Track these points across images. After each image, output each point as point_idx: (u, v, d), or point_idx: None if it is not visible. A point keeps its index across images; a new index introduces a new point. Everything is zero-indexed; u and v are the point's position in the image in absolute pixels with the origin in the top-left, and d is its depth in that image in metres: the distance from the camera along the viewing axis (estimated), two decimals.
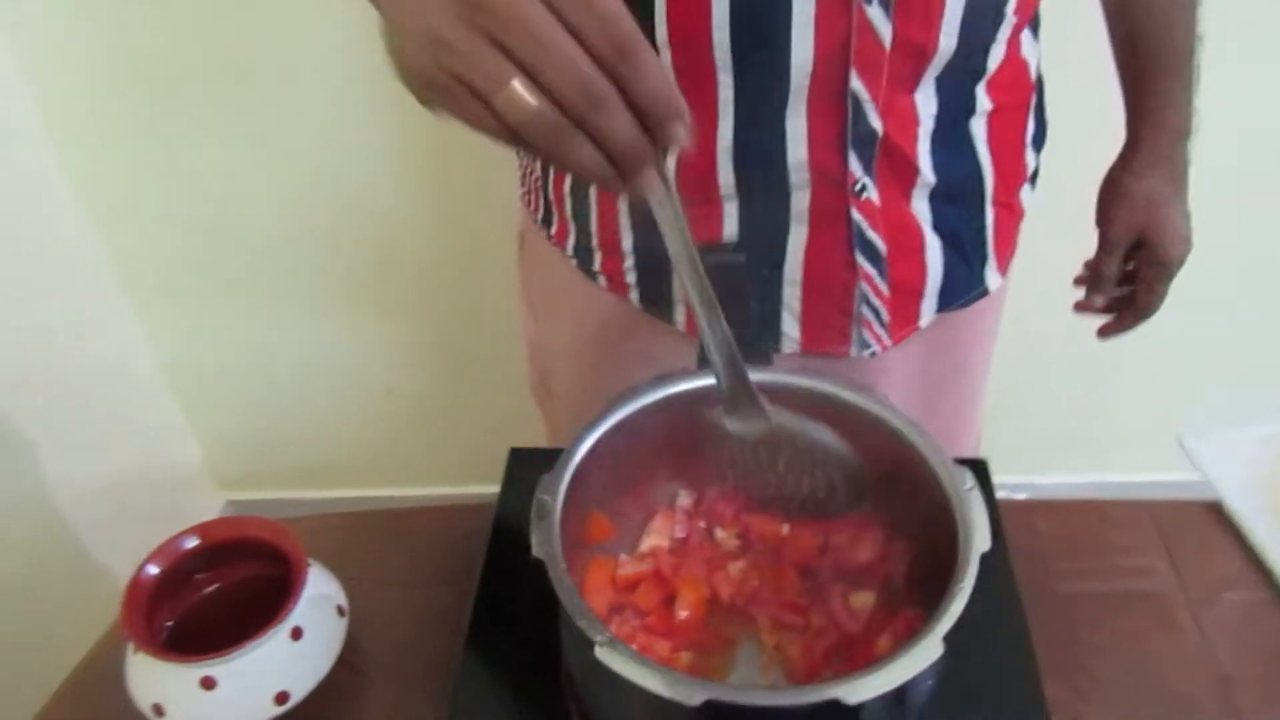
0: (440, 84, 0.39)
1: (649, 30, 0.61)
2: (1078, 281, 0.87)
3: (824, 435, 0.57)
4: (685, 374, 0.61)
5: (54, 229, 1.31)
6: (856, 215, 0.68)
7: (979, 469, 0.67)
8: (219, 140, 1.28)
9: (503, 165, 0.85)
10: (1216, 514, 0.74)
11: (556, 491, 0.53)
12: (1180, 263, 0.80)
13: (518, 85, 0.38)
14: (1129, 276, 0.83)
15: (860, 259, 0.70)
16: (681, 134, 0.41)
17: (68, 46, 1.21)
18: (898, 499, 0.58)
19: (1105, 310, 0.85)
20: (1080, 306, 0.87)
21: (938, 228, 0.72)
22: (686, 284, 0.48)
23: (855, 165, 0.65)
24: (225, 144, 1.28)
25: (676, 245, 0.47)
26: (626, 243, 0.73)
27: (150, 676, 0.57)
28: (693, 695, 0.42)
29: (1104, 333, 0.87)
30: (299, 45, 1.21)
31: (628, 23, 0.39)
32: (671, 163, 0.44)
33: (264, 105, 1.26)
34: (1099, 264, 0.83)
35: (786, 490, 0.59)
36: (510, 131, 0.39)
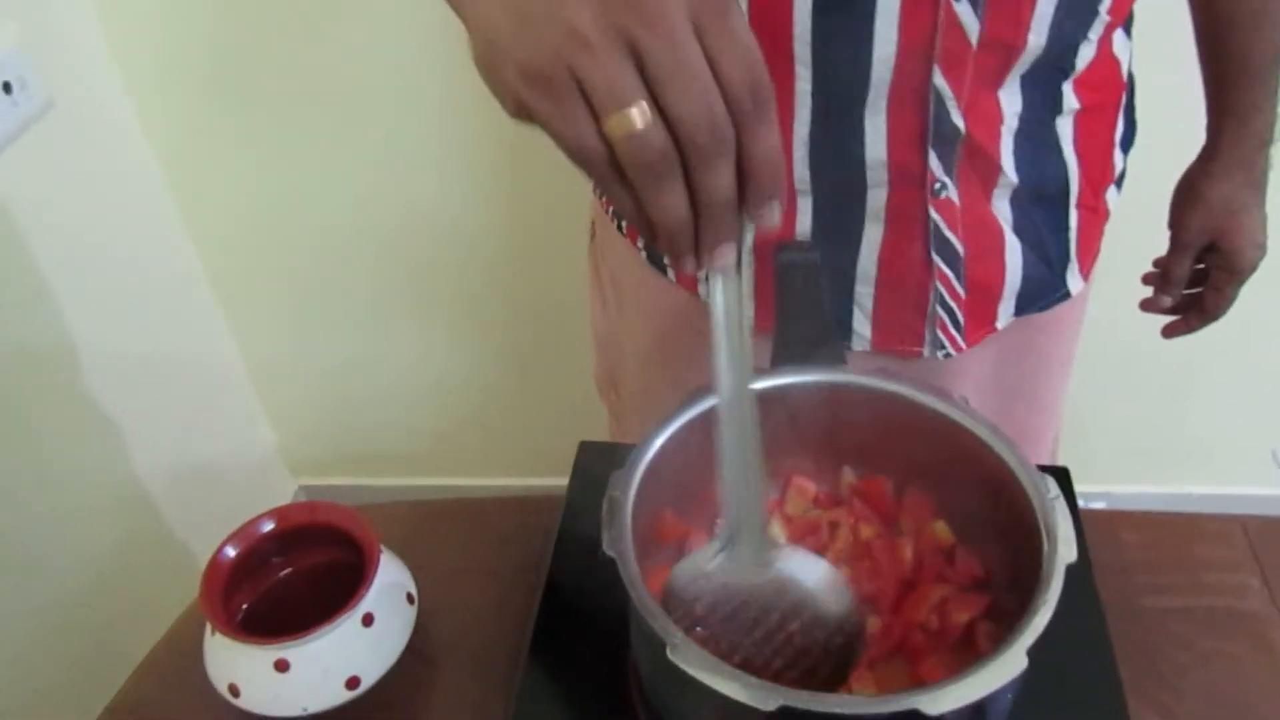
0: (555, 83, 0.36)
1: None
2: (1146, 279, 0.85)
3: (827, 599, 0.48)
4: (759, 373, 0.60)
5: (150, 230, 1.37)
6: (934, 215, 0.66)
7: (1061, 477, 0.65)
8: (296, 146, 1.33)
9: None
10: None
11: (628, 489, 0.53)
12: (1253, 268, 0.78)
13: (645, 109, 0.35)
14: (1198, 278, 0.82)
15: (937, 259, 0.68)
16: (775, 216, 0.38)
17: (169, 67, 1.27)
18: (977, 508, 0.57)
19: (1172, 311, 0.84)
20: (1147, 305, 0.85)
21: (1019, 229, 0.70)
22: (720, 377, 0.43)
23: (935, 165, 0.64)
24: (302, 149, 1.34)
25: (730, 334, 0.42)
26: None
27: (226, 657, 0.58)
28: (767, 700, 0.41)
29: (1169, 333, 0.86)
30: (365, 59, 1.25)
31: (766, 71, 0.36)
32: (750, 244, 0.40)
33: (335, 115, 1.31)
34: (1169, 264, 0.81)
35: (764, 652, 0.49)
36: (605, 154, 0.36)
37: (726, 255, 0.39)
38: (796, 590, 0.48)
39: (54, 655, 1.16)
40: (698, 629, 0.48)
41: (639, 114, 0.35)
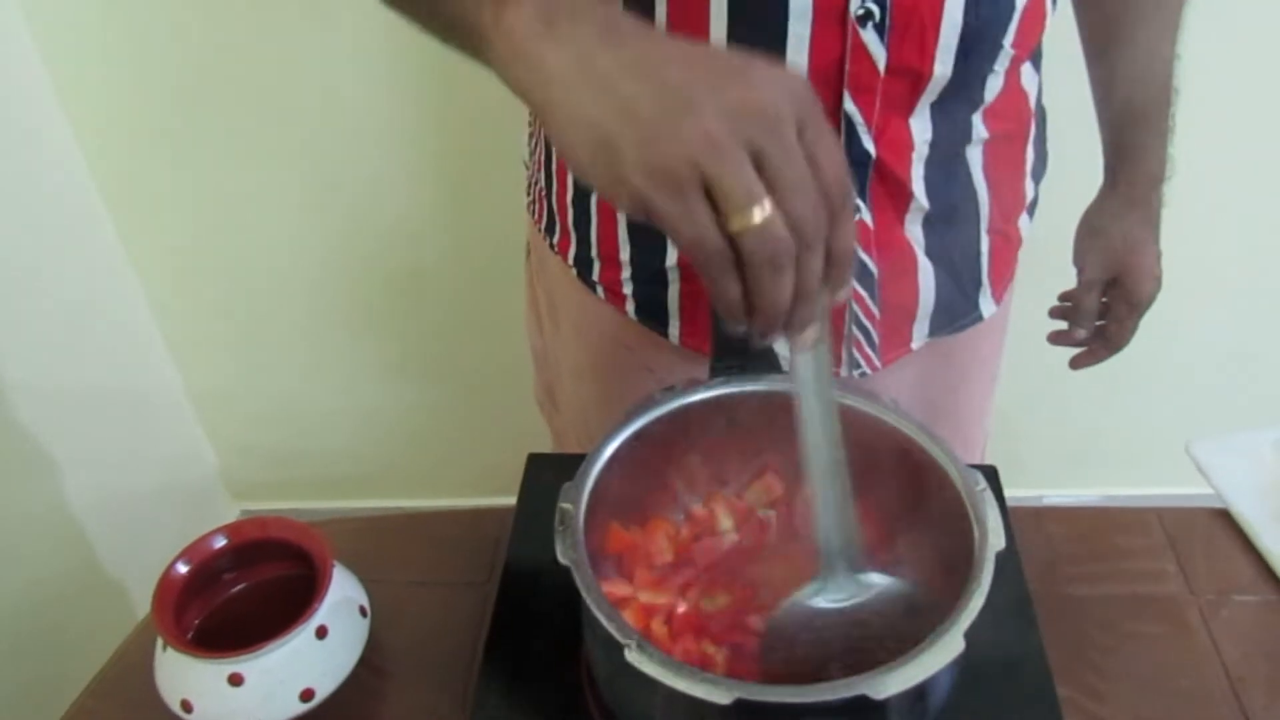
0: (683, 184, 0.39)
1: None
2: (1054, 314, 0.88)
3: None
4: (698, 385, 0.61)
5: (89, 255, 1.34)
6: None
7: (990, 475, 0.68)
8: (238, 172, 1.33)
9: (513, 182, 0.86)
10: (1224, 519, 0.75)
11: (579, 500, 0.54)
12: (1151, 301, 0.82)
13: (768, 207, 0.39)
14: (1101, 311, 0.85)
15: (852, 279, 0.70)
16: (847, 293, 0.43)
17: (108, 89, 1.26)
18: (909, 502, 0.59)
19: (1080, 344, 0.87)
20: (1058, 339, 0.88)
21: (931, 252, 0.72)
22: (813, 438, 0.48)
23: None
24: (244, 175, 1.33)
25: (820, 399, 0.47)
26: (625, 254, 0.73)
27: (179, 673, 0.58)
28: (723, 694, 0.43)
29: (1077, 365, 0.88)
30: (305, 86, 1.26)
31: (847, 169, 0.41)
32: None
33: (276, 139, 1.30)
34: (1079, 298, 0.84)
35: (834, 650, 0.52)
36: (723, 247, 0.40)
37: (814, 334, 0.44)
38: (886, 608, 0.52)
39: None
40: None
41: (761, 211, 0.39)
